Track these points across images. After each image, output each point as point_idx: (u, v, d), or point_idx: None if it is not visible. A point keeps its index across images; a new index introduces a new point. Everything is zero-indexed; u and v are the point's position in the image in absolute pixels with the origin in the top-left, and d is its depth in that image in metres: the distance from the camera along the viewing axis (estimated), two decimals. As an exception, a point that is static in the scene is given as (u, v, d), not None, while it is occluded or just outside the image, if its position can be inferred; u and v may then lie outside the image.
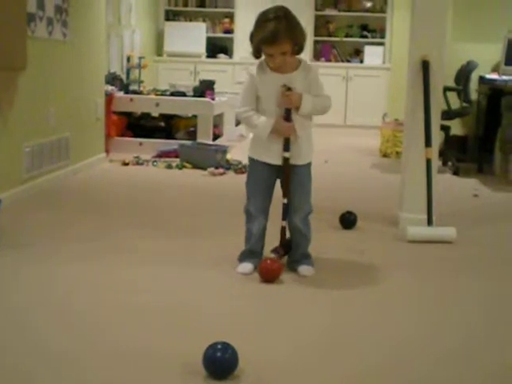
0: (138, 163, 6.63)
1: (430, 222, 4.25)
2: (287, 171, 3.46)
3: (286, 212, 3.52)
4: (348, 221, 4.45)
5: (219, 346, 2.40)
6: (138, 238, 4.08)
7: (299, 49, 3.35)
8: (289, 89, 3.35)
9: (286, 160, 3.44)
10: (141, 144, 7.32)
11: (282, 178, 3.51)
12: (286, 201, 3.51)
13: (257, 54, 3.38)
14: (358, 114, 10.37)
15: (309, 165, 3.54)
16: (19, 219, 4.37)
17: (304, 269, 3.53)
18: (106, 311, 2.98)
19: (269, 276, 3.36)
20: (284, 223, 3.56)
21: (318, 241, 3.76)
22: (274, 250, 3.59)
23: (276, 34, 3.25)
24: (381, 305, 3.18)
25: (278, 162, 3.45)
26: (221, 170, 6.29)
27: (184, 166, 6.50)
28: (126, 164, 6.56)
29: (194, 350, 2.50)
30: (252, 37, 3.35)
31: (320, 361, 2.57)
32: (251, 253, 3.57)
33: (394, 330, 2.89)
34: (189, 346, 2.61)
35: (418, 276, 3.60)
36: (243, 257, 3.59)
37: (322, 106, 3.45)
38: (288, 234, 3.60)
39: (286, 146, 3.42)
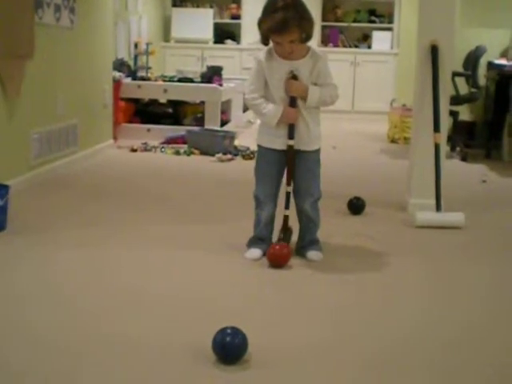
0: (146, 149, 6.63)
1: (438, 208, 4.24)
2: (291, 159, 3.46)
3: (289, 201, 3.53)
4: (356, 206, 4.45)
5: (229, 331, 2.40)
6: (146, 223, 4.09)
7: (307, 37, 3.34)
8: (294, 76, 3.35)
9: (289, 147, 3.44)
10: (149, 130, 7.32)
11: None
12: (289, 189, 3.51)
13: (265, 41, 3.38)
14: (365, 100, 10.34)
15: (317, 151, 3.53)
16: (28, 205, 4.39)
17: (313, 254, 3.54)
18: (112, 297, 2.99)
19: (277, 261, 3.37)
20: (287, 212, 3.56)
21: (326, 226, 3.77)
22: (280, 239, 3.58)
23: (285, 24, 3.24)
24: (389, 290, 3.19)
25: (285, 147, 3.46)
26: (229, 156, 6.29)
27: (192, 152, 6.51)
28: (134, 150, 6.57)
29: (202, 335, 2.51)
30: (260, 24, 3.34)
31: (329, 345, 2.57)
32: (259, 239, 3.58)
33: (402, 314, 2.90)
34: (197, 332, 2.61)
35: (427, 261, 3.60)
36: (251, 243, 3.59)
37: (330, 97, 3.44)
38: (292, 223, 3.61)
39: (291, 134, 3.42)
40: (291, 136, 3.43)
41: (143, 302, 2.93)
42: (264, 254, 3.49)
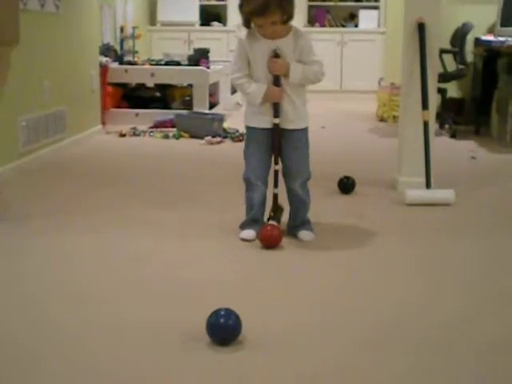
0: (134, 134, 6.62)
1: (428, 185, 4.26)
2: (277, 137, 3.46)
3: (277, 179, 3.53)
4: (346, 186, 4.46)
5: (222, 313, 2.41)
6: (137, 208, 4.09)
7: (289, 17, 3.34)
8: (276, 55, 3.35)
9: (275, 125, 3.44)
10: (137, 115, 7.30)
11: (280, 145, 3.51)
12: (277, 167, 3.51)
13: (247, 24, 3.38)
14: (353, 79, 10.32)
15: (305, 130, 3.53)
16: (19, 193, 4.38)
17: (304, 234, 3.55)
18: (107, 283, 3.00)
19: (269, 242, 3.39)
20: (276, 190, 3.57)
21: (316, 206, 3.77)
22: (271, 218, 3.59)
23: (266, 6, 3.23)
24: (380, 269, 3.20)
25: (271, 126, 3.46)
26: (218, 139, 6.28)
27: (181, 136, 6.50)
28: (122, 135, 6.55)
29: (195, 317, 2.52)
30: (241, 7, 3.34)
31: (321, 325, 2.59)
32: (253, 221, 3.58)
33: (393, 293, 2.91)
34: (190, 313, 2.62)
35: (417, 240, 3.61)
36: (245, 225, 3.60)
37: (314, 74, 3.42)
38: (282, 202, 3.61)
39: (276, 112, 3.42)
40: (276, 114, 3.42)
41: (134, 287, 2.93)
42: (257, 235, 3.49)
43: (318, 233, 3.61)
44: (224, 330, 2.39)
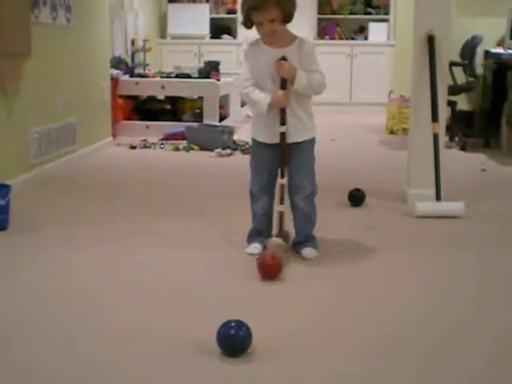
0: (145, 146, 6.65)
1: (438, 197, 4.26)
2: (283, 147, 3.43)
3: (283, 195, 3.50)
4: (356, 198, 4.46)
5: (233, 324, 2.42)
6: (147, 220, 4.10)
7: (288, 16, 3.33)
8: (284, 58, 3.34)
9: (282, 134, 3.41)
10: (147, 127, 7.33)
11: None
12: (283, 181, 3.46)
13: (247, 23, 3.37)
14: (363, 92, 10.32)
15: (310, 142, 3.50)
16: (30, 204, 4.40)
17: (307, 251, 3.50)
18: (116, 294, 3.01)
19: (268, 273, 3.18)
20: (281, 207, 3.51)
21: (326, 218, 3.77)
22: (279, 235, 3.52)
23: (263, 1, 3.25)
24: (388, 281, 3.20)
25: (277, 140, 3.44)
26: (228, 151, 6.30)
27: (191, 148, 6.52)
28: (133, 147, 6.58)
29: (205, 329, 2.52)
30: (242, 5, 3.36)
31: (328, 334, 2.60)
32: (257, 232, 3.58)
33: (400, 304, 2.91)
34: (200, 325, 2.63)
35: (426, 252, 3.61)
36: (250, 237, 3.60)
37: (317, 84, 3.41)
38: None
39: (282, 119, 3.39)
40: (283, 122, 3.40)
41: (143, 299, 2.95)
42: (264, 248, 3.49)
43: (326, 244, 3.61)
44: (235, 341, 2.40)
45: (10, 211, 3.91)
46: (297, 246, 3.55)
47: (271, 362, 2.38)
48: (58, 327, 2.65)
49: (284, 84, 3.38)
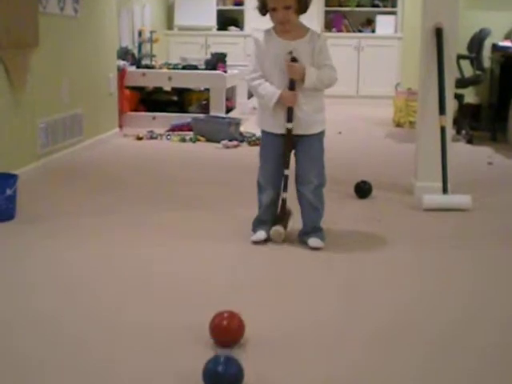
0: (151, 137, 6.64)
1: (445, 190, 4.25)
2: (289, 142, 3.45)
3: (286, 184, 3.52)
4: (363, 190, 4.46)
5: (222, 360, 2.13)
6: (153, 211, 4.11)
7: (303, 6, 3.34)
8: (293, 59, 3.34)
9: (288, 131, 3.43)
10: (154, 118, 7.33)
11: (294, 149, 3.51)
12: (286, 172, 3.50)
13: (262, 9, 3.38)
14: (370, 85, 10.30)
15: (319, 136, 3.51)
16: (36, 194, 4.40)
17: (314, 241, 3.50)
18: (117, 285, 3.02)
19: (223, 336, 2.42)
20: (284, 195, 3.55)
21: (332, 210, 3.78)
22: (279, 224, 3.55)
23: None
24: (395, 272, 3.21)
25: (284, 131, 3.45)
26: (234, 143, 6.29)
27: (198, 139, 6.52)
28: (139, 138, 6.58)
29: (203, 318, 2.51)
30: None
31: (329, 324, 2.60)
32: (262, 221, 3.60)
33: (403, 295, 2.93)
34: (200, 317, 2.62)
35: (434, 244, 3.61)
36: (255, 226, 3.61)
37: (328, 79, 3.41)
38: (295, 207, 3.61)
39: (289, 117, 3.41)
40: (290, 119, 3.41)
41: (143, 290, 2.96)
42: (268, 236, 3.52)
43: (332, 236, 3.61)
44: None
45: (17, 201, 3.92)
46: (303, 236, 3.56)
47: (275, 351, 2.39)
48: (57, 318, 2.66)
49: (292, 85, 3.38)
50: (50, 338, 2.49)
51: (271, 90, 3.39)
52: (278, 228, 3.52)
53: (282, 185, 3.54)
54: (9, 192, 3.85)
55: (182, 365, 2.30)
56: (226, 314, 2.43)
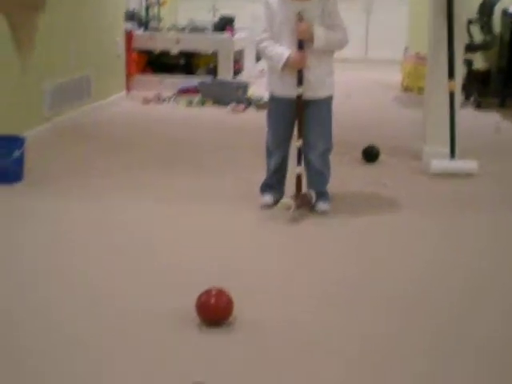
0: (158, 100, 6.62)
1: (452, 155, 4.24)
2: (300, 109, 3.43)
3: (300, 157, 3.49)
4: (371, 154, 4.46)
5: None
6: (158, 174, 4.12)
7: None
8: (302, 20, 3.32)
9: (298, 97, 3.40)
10: (161, 81, 7.30)
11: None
12: (299, 143, 3.46)
13: None
14: (379, 48, 10.21)
15: (327, 100, 3.49)
16: (43, 156, 4.41)
17: (320, 205, 3.51)
18: (117, 248, 3.04)
19: (209, 314, 2.37)
20: (298, 170, 3.51)
21: (340, 174, 3.79)
22: (291, 197, 3.48)
23: None
24: (402, 237, 3.23)
25: (293, 94, 3.42)
26: (242, 106, 6.27)
27: (205, 103, 6.49)
28: (147, 101, 6.56)
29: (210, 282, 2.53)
30: None
31: (341, 294, 2.62)
32: (268, 186, 3.61)
33: (409, 259, 2.95)
34: (214, 275, 2.65)
35: (440, 209, 3.63)
36: (262, 190, 3.63)
37: (338, 40, 3.40)
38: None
39: (299, 80, 3.38)
40: (300, 82, 3.38)
41: (147, 253, 2.98)
42: (276, 201, 3.51)
43: (339, 200, 3.62)
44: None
45: (25, 163, 3.93)
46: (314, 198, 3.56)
47: (291, 316, 2.41)
48: (56, 278, 2.68)
49: (301, 46, 3.35)
50: (34, 298, 2.51)
51: (280, 52, 3.37)
52: (287, 201, 3.41)
53: (297, 158, 3.49)
54: (17, 154, 3.86)
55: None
56: (213, 292, 2.37)
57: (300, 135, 3.46)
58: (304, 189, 3.55)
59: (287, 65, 3.36)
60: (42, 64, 4.92)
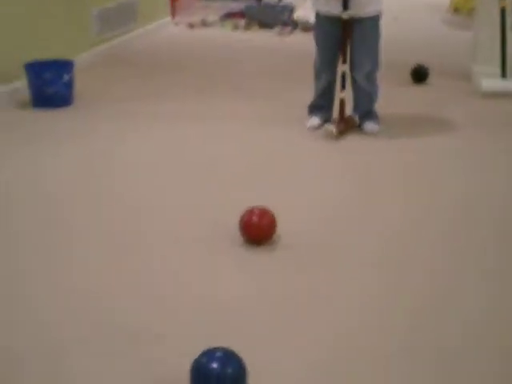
0: (204, 25, 6.57)
1: (503, 74, 4.16)
2: (346, 33, 3.38)
3: (344, 82, 3.46)
4: (419, 74, 4.39)
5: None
6: (206, 97, 4.14)
7: None
8: None
9: (344, 21, 3.35)
10: (206, 6, 7.23)
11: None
12: (343, 68, 3.43)
13: None
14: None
15: (375, 18, 3.43)
16: (92, 81, 4.43)
17: (369, 126, 3.51)
18: (172, 165, 3.11)
19: (253, 235, 2.38)
20: (342, 95, 3.48)
21: (388, 95, 3.76)
22: (334, 122, 3.50)
23: None
24: (453, 160, 3.19)
25: (338, 12, 3.36)
26: (288, 29, 6.21)
27: (251, 26, 6.43)
28: (192, 26, 6.51)
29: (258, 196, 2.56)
30: None
31: (390, 212, 2.63)
32: (316, 107, 3.60)
33: (463, 187, 2.94)
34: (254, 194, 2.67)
35: (492, 129, 3.58)
36: (310, 111, 3.62)
37: None
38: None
39: (345, 3, 3.31)
40: (345, 6, 3.31)
41: (180, 173, 3.03)
42: (324, 121, 3.51)
43: (387, 122, 3.59)
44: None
45: (74, 87, 3.96)
46: (358, 121, 3.55)
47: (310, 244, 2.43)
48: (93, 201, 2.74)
49: None
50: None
51: None
52: (329, 127, 3.42)
53: (341, 82, 3.47)
54: (66, 78, 3.89)
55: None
56: (256, 211, 2.36)
57: (344, 60, 3.43)
58: (350, 111, 3.55)
59: None
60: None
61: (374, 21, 3.43)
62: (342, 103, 3.49)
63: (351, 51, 3.45)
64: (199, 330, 1.89)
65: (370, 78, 3.49)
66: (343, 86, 3.47)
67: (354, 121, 3.53)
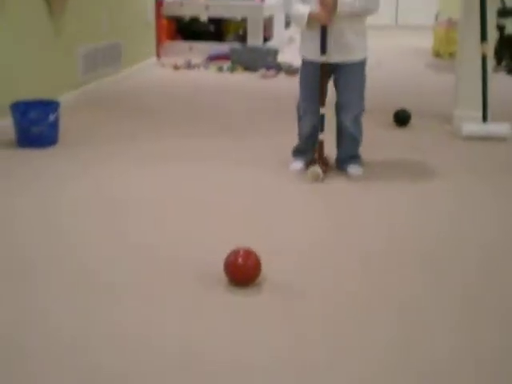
0: (189, 67, 6.64)
1: (484, 118, 4.22)
2: (324, 76, 3.42)
3: (323, 124, 3.47)
4: (402, 118, 4.45)
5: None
6: (191, 138, 4.16)
7: None
8: None
9: (322, 65, 3.39)
10: (191, 48, 7.31)
11: (334, 76, 3.48)
12: (323, 111, 3.45)
13: None
14: (409, 14, 10.13)
15: (360, 63, 3.47)
16: (76, 121, 4.44)
17: (353, 168, 3.54)
18: (153, 201, 3.10)
19: (238, 275, 2.36)
20: (322, 136, 3.50)
21: (371, 138, 3.79)
22: (313, 162, 3.51)
23: None
24: (434, 202, 3.21)
25: (324, 58, 3.39)
26: (272, 72, 6.27)
27: (235, 69, 6.50)
28: (177, 68, 6.58)
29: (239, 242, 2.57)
30: None
31: (374, 256, 2.65)
32: (299, 151, 3.63)
33: (445, 226, 2.95)
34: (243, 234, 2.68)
35: (473, 172, 3.61)
36: (294, 155, 3.65)
37: (364, 8, 3.33)
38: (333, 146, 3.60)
39: (323, 47, 3.34)
40: (323, 50, 3.34)
41: (170, 212, 3.04)
42: (307, 164, 3.53)
43: (370, 164, 3.62)
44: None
45: (59, 127, 3.98)
46: (341, 164, 3.59)
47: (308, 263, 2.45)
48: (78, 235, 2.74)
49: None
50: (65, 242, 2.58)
51: (302, 8, 3.36)
52: (315, 169, 3.43)
53: (320, 124, 3.48)
54: (51, 118, 3.91)
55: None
56: (241, 252, 2.35)
57: (323, 103, 3.45)
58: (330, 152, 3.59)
59: (311, 18, 3.32)
60: (75, 29, 4.96)
61: (361, 65, 3.48)
62: (321, 145, 3.53)
63: (338, 95, 3.49)
64: (176, 375, 1.88)
65: (356, 120, 3.52)
66: (321, 128, 3.49)
67: (330, 161, 3.59)
